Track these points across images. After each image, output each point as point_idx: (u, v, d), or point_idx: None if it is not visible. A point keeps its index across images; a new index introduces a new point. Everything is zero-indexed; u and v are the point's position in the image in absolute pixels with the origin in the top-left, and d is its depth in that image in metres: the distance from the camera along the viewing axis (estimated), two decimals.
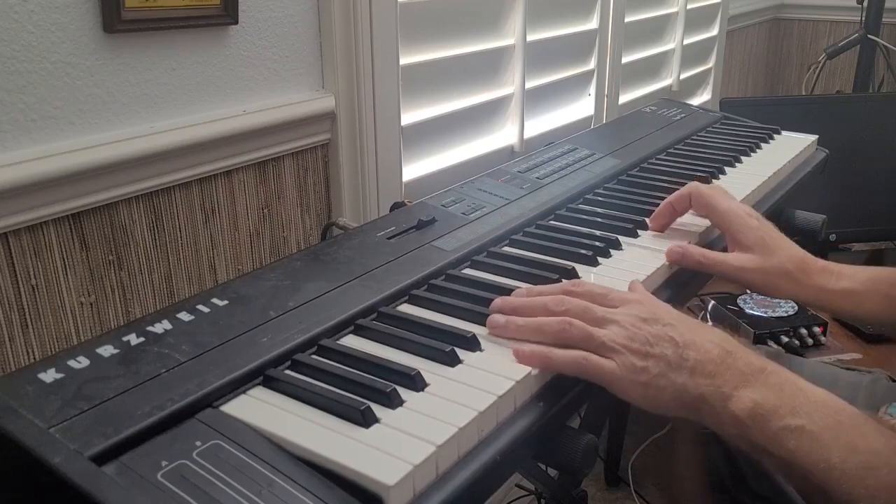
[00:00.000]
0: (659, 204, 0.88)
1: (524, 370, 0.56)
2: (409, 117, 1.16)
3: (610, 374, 0.58)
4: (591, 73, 1.63)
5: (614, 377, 0.58)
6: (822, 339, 1.51)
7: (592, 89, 1.65)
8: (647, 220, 0.86)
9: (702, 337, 0.60)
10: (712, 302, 1.60)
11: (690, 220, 0.87)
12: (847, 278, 0.82)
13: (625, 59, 1.75)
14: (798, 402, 0.57)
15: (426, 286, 0.69)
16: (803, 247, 0.84)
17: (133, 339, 0.55)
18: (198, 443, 0.46)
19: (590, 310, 0.62)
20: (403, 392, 0.52)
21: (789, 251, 0.82)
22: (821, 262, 0.83)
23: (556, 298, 0.63)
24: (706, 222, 0.86)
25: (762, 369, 0.59)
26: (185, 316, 0.58)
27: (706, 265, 0.80)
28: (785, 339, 1.47)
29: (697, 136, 1.23)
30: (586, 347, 0.59)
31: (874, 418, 0.57)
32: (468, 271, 0.73)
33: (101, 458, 0.44)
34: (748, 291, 1.70)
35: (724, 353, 0.59)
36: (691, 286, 0.82)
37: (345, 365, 0.56)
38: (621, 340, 0.59)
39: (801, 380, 0.59)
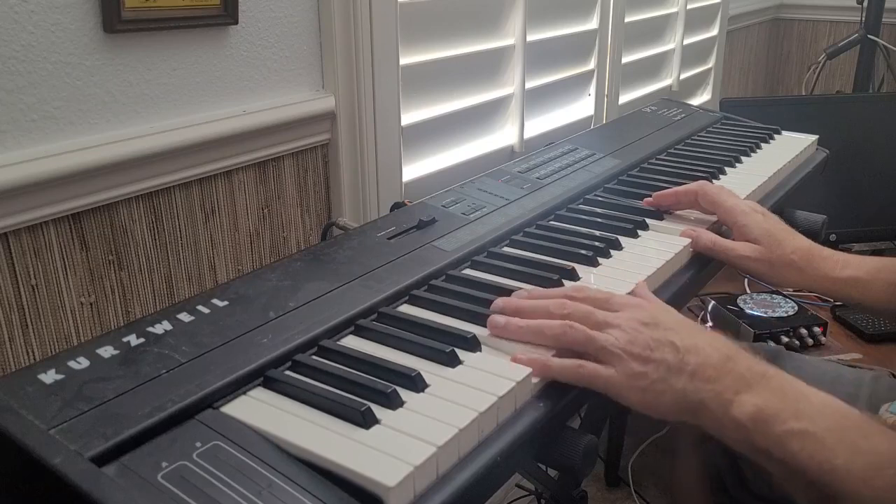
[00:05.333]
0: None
1: (524, 371, 0.56)
2: (409, 117, 1.16)
3: (607, 380, 0.58)
4: (591, 73, 1.63)
5: (612, 383, 0.58)
6: (822, 339, 1.51)
7: (592, 89, 1.65)
8: (647, 220, 0.86)
9: (703, 342, 0.60)
10: (712, 302, 1.60)
11: (700, 215, 0.89)
12: (853, 266, 0.83)
13: (625, 59, 1.75)
14: (801, 406, 0.56)
15: (426, 286, 0.69)
16: None
17: (133, 339, 0.55)
18: (198, 444, 0.46)
19: (591, 314, 0.61)
20: (404, 393, 0.52)
21: (795, 242, 0.83)
22: (826, 250, 0.84)
23: (557, 302, 0.63)
24: (713, 218, 0.88)
25: (763, 374, 0.58)
26: (185, 316, 0.58)
27: (715, 251, 0.82)
28: (785, 339, 1.47)
29: (697, 136, 1.23)
30: (586, 351, 0.59)
31: (877, 420, 0.57)
32: (468, 272, 0.73)
33: (102, 459, 0.44)
34: (748, 292, 1.70)
35: (725, 359, 0.59)
36: (691, 286, 0.82)
37: (345, 366, 0.56)
38: (621, 345, 0.59)
39: (802, 383, 0.59)
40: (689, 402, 0.58)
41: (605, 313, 0.62)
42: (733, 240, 0.84)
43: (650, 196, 0.91)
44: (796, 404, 0.56)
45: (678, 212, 0.90)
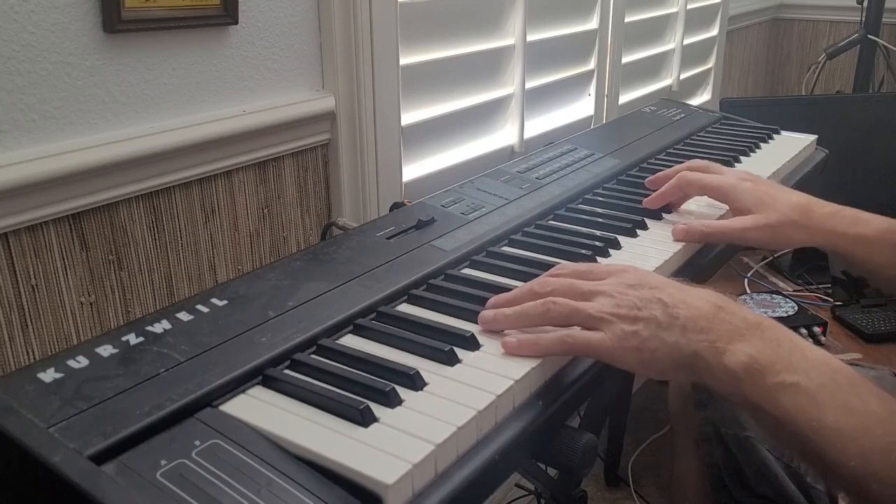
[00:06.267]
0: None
1: (523, 369, 0.56)
2: (409, 117, 1.16)
3: (599, 345, 0.57)
4: (591, 73, 1.63)
5: (604, 347, 0.57)
6: (822, 339, 1.51)
7: (592, 89, 1.65)
8: (646, 219, 0.86)
9: (691, 295, 0.59)
10: None
11: (703, 210, 0.89)
12: (862, 224, 0.81)
13: (625, 59, 1.76)
14: (795, 359, 0.55)
15: (425, 286, 0.69)
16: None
17: (132, 338, 0.55)
18: (197, 442, 0.46)
19: (575, 286, 0.61)
20: (402, 391, 0.52)
21: (790, 200, 0.82)
22: (831, 205, 0.83)
23: (540, 281, 0.63)
24: (719, 210, 0.88)
25: (758, 324, 0.58)
26: (184, 316, 0.58)
27: (711, 234, 0.81)
28: None
29: (697, 136, 1.23)
30: (573, 323, 0.59)
31: (871, 380, 0.56)
32: (467, 271, 0.73)
33: (101, 458, 0.44)
34: (748, 292, 1.70)
35: (716, 309, 0.58)
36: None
37: (344, 364, 0.56)
38: (608, 309, 0.58)
39: (798, 337, 0.58)
40: (684, 354, 0.57)
41: (589, 283, 0.61)
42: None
43: (649, 196, 0.91)
44: (790, 357, 0.55)
45: (681, 208, 0.90)
